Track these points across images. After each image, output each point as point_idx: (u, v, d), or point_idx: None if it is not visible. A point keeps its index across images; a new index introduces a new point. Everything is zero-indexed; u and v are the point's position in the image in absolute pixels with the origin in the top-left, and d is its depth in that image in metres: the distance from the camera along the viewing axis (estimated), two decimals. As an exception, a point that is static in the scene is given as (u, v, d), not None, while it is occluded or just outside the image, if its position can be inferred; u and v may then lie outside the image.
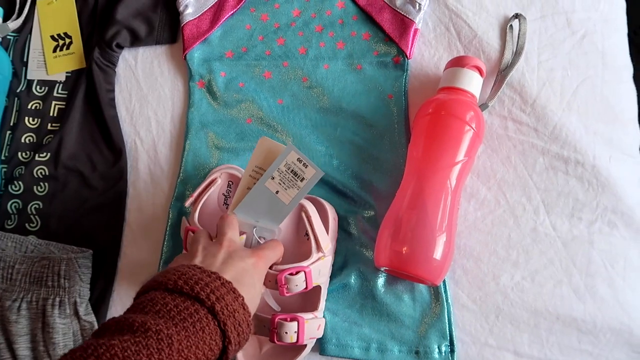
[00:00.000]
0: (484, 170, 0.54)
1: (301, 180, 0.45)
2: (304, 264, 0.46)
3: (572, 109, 0.55)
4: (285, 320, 0.45)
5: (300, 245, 0.51)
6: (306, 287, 0.46)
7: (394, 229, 0.48)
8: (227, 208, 0.50)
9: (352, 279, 0.51)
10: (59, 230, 0.55)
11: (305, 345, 0.48)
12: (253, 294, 0.39)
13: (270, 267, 0.44)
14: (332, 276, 0.51)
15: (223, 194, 0.52)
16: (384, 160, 0.54)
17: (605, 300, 0.50)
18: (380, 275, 0.51)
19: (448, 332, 0.50)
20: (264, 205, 0.45)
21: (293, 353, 0.48)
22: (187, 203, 0.49)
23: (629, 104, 0.56)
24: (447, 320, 0.50)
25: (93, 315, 0.52)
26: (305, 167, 0.45)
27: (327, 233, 0.50)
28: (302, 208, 0.48)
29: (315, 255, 0.47)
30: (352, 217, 0.53)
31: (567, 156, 0.53)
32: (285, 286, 0.45)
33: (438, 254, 0.47)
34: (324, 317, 0.50)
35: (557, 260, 0.51)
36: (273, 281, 0.45)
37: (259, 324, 0.47)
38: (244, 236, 0.46)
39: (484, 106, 0.54)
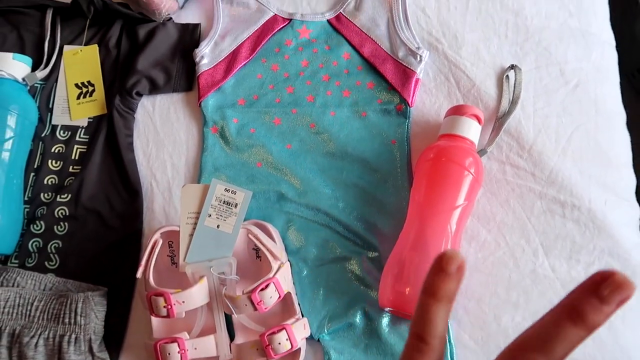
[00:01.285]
0: (484, 213, 0.56)
1: (235, 207, 0.49)
2: (269, 275, 0.49)
3: (567, 154, 0.57)
4: (274, 332, 0.48)
5: (257, 267, 0.53)
6: (280, 296, 0.48)
7: (397, 270, 0.50)
8: (176, 266, 0.53)
9: (357, 319, 0.53)
10: (76, 269, 0.57)
11: (299, 349, 0.49)
12: None
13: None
14: (338, 315, 0.53)
15: (167, 255, 0.54)
16: (387, 203, 0.57)
17: (605, 342, 0.51)
18: (384, 316, 0.53)
19: (451, 373, 0.51)
20: (211, 243, 0.49)
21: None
22: (139, 274, 0.50)
23: (623, 149, 0.59)
24: (450, 361, 0.51)
25: (106, 352, 0.54)
26: (235, 194, 0.49)
27: (274, 238, 0.53)
28: (246, 232, 0.51)
29: (275, 265, 0.50)
30: (356, 258, 0.55)
31: (564, 200, 0.55)
32: (261, 302, 0.47)
33: (440, 294, 0.48)
34: (303, 316, 0.52)
35: (556, 301, 0.50)
36: (249, 303, 0.47)
37: (251, 350, 0.49)
38: (205, 279, 0.49)
39: (482, 152, 0.57)
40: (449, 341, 0.51)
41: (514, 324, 0.52)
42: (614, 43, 0.63)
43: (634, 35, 0.93)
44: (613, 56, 0.62)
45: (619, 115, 0.60)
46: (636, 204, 0.58)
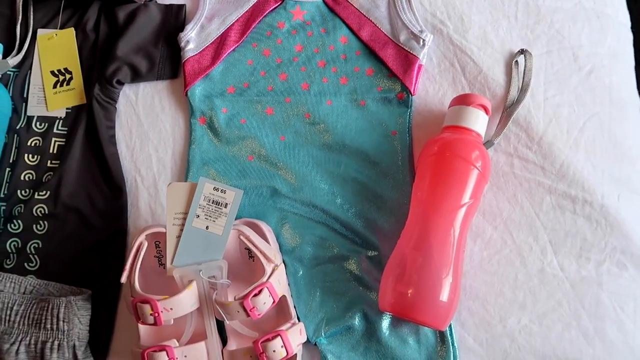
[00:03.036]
0: (490, 209, 0.53)
1: (225, 207, 0.46)
2: (263, 280, 0.46)
3: (580, 146, 0.54)
4: (269, 340, 0.45)
5: (250, 269, 0.51)
6: (274, 301, 0.46)
7: (398, 271, 0.48)
8: (164, 268, 0.50)
9: (356, 321, 0.50)
10: (58, 270, 0.54)
11: (295, 355, 0.47)
12: None
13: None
14: (336, 318, 0.51)
15: (155, 256, 0.51)
16: (388, 198, 0.54)
17: (615, 344, 0.49)
18: (384, 318, 0.51)
19: (454, 377, 0.49)
20: (199, 246, 0.46)
21: None
22: (123, 279, 0.47)
23: (638, 140, 0.56)
24: (453, 364, 0.49)
25: (92, 358, 0.51)
26: (224, 193, 0.46)
27: (270, 245, 0.50)
28: (238, 233, 0.48)
29: (269, 268, 0.47)
30: (355, 257, 0.52)
31: (575, 195, 0.53)
32: (254, 308, 0.45)
33: (444, 296, 0.46)
34: (299, 321, 0.50)
35: (565, 302, 0.50)
36: (241, 310, 0.45)
37: (244, 357, 0.47)
38: (194, 283, 0.46)
39: (489, 143, 0.54)
40: (452, 344, 0.49)
41: (520, 326, 0.50)
42: (629, 24, 0.59)
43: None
44: (629, 39, 0.59)
45: (634, 104, 0.57)
46: (650, 198, 0.55)
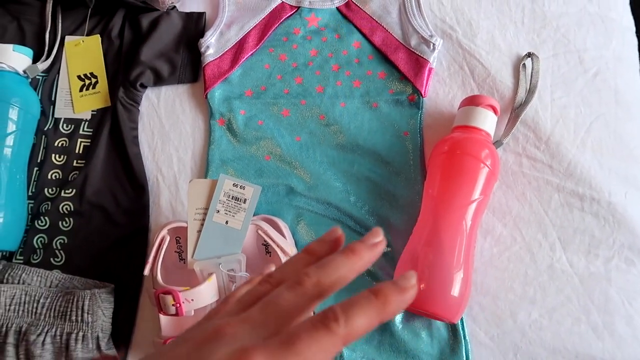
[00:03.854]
0: (500, 207, 0.55)
1: (244, 202, 0.48)
2: None
3: (586, 145, 0.55)
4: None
5: (267, 263, 0.52)
6: None
7: (411, 266, 0.49)
8: (185, 263, 0.51)
9: (370, 315, 0.52)
10: (82, 265, 0.56)
11: None
12: None
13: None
14: (350, 312, 0.52)
15: (175, 251, 0.53)
16: (400, 196, 0.55)
17: (624, 338, 0.50)
18: (397, 312, 0.52)
19: (466, 370, 0.50)
20: (219, 240, 0.48)
21: None
22: (146, 271, 0.49)
23: (643, 140, 0.57)
24: (465, 358, 0.50)
25: (114, 349, 0.53)
26: (243, 189, 0.48)
27: (286, 240, 0.52)
28: (256, 227, 0.50)
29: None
30: (369, 253, 0.54)
31: (583, 193, 0.54)
32: None
33: (455, 291, 0.47)
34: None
35: (574, 297, 0.51)
36: None
37: None
38: (214, 276, 0.48)
39: (498, 143, 0.55)
40: (464, 338, 0.50)
41: (530, 321, 0.51)
42: (634, 29, 0.61)
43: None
44: (633, 43, 0.60)
45: (639, 105, 0.58)
46: (657, 196, 0.56)
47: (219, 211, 0.48)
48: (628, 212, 0.53)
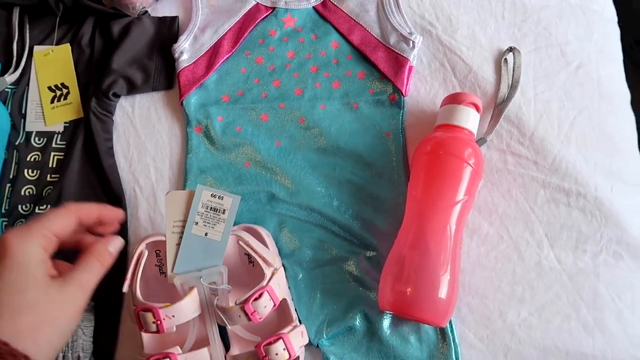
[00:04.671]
0: (485, 205, 0.54)
1: (223, 213, 0.46)
2: (263, 284, 0.46)
3: (571, 140, 0.55)
4: (271, 343, 0.45)
5: (250, 274, 0.51)
6: (274, 305, 0.46)
7: (397, 270, 0.48)
8: (166, 276, 0.50)
9: (357, 322, 0.51)
10: (61, 282, 0.54)
11: (298, 358, 0.48)
12: (52, 332, 0.32)
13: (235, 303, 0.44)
14: (337, 319, 0.51)
15: (155, 265, 0.51)
16: (384, 199, 0.54)
17: (615, 334, 0.49)
18: (385, 317, 0.51)
19: (457, 373, 0.49)
20: (199, 252, 0.46)
21: None
22: (125, 288, 0.47)
23: (628, 132, 0.56)
24: (455, 361, 0.49)
25: (97, 368, 0.52)
26: (222, 199, 0.46)
27: (269, 249, 0.51)
28: (236, 238, 0.48)
29: (268, 272, 0.47)
30: (354, 258, 0.53)
31: (569, 188, 0.53)
32: (255, 312, 0.45)
33: (443, 293, 0.46)
34: (301, 323, 0.50)
35: (563, 294, 0.51)
36: (243, 315, 0.45)
37: None
38: (195, 290, 0.47)
39: (482, 141, 0.54)
40: (453, 341, 0.50)
41: (520, 320, 0.50)
42: (616, 19, 0.60)
43: (630, 5, 0.90)
44: (615, 34, 0.59)
45: (623, 96, 0.58)
46: (643, 189, 0.55)
47: (197, 223, 0.47)
48: (615, 206, 0.52)
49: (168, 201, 0.47)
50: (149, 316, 0.45)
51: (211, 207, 0.47)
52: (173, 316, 0.45)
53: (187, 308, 0.46)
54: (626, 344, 0.49)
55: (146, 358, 0.46)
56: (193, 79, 0.58)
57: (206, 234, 0.47)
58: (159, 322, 0.45)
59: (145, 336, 0.49)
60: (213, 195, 0.47)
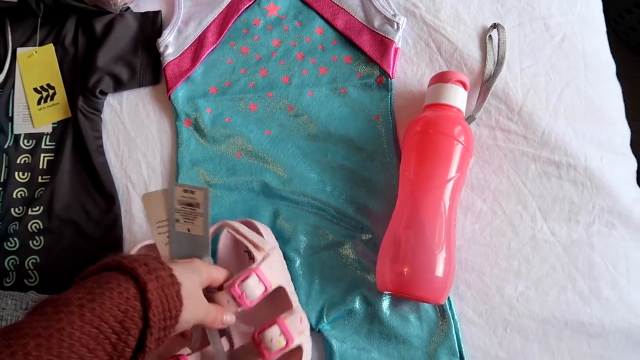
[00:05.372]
0: (478, 183, 0.54)
1: (198, 207, 0.45)
2: (252, 266, 0.45)
3: (559, 113, 0.55)
4: (264, 329, 0.45)
5: (247, 263, 0.51)
6: (265, 289, 0.45)
7: (393, 251, 0.48)
8: None
9: (357, 305, 0.51)
10: (58, 283, 0.54)
11: (301, 348, 0.46)
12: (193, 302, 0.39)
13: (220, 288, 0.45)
14: (336, 303, 0.51)
15: None
16: (376, 181, 0.54)
17: (611, 302, 0.50)
18: (384, 298, 0.51)
19: (457, 349, 0.49)
20: (187, 248, 0.46)
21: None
22: None
23: (615, 102, 0.57)
24: (455, 337, 0.50)
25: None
26: (194, 193, 0.45)
27: (261, 234, 0.50)
28: (224, 227, 0.48)
29: (258, 256, 0.47)
30: (350, 242, 0.53)
31: (559, 160, 0.53)
32: (244, 294, 0.44)
33: (440, 271, 0.47)
34: (303, 310, 0.49)
35: (559, 266, 0.51)
36: (231, 299, 0.44)
37: (247, 353, 0.46)
38: None
39: (470, 118, 0.55)
40: (453, 317, 0.50)
41: (517, 294, 0.51)
42: (598, -10, 0.60)
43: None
44: (598, 5, 0.60)
45: (609, 66, 0.58)
46: (632, 157, 0.56)
47: (178, 220, 0.46)
48: (605, 175, 0.53)
49: (146, 204, 0.46)
50: None
51: (187, 203, 0.45)
52: None
53: None
54: (623, 311, 0.50)
55: None
56: (179, 72, 0.58)
57: (189, 230, 0.46)
58: None
59: None
60: (185, 191, 0.45)
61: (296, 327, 0.46)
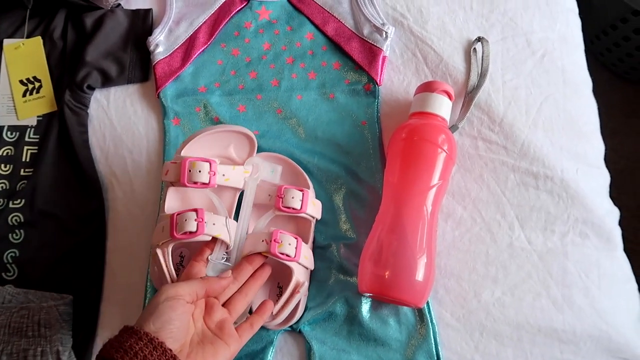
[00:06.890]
0: (459, 190, 0.56)
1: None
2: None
3: (538, 125, 0.57)
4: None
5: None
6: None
7: (375, 254, 0.49)
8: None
9: (338, 307, 0.52)
10: (37, 277, 0.53)
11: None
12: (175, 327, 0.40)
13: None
14: (318, 305, 0.52)
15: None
16: (361, 186, 0.55)
17: (583, 309, 0.51)
18: (365, 301, 0.52)
19: (435, 353, 0.50)
20: None
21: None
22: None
23: (591, 117, 0.59)
24: (433, 341, 0.51)
25: (77, 362, 0.51)
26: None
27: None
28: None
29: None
30: (334, 245, 0.54)
31: (537, 171, 0.55)
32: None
33: (420, 275, 0.48)
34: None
35: (534, 273, 0.53)
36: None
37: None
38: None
39: (454, 127, 0.56)
40: (431, 321, 0.51)
41: (494, 299, 0.52)
42: (577, 10, 0.63)
43: (590, 2, 0.94)
44: (577, 24, 0.62)
45: (586, 83, 0.60)
46: (606, 170, 0.58)
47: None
48: (580, 187, 0.55)
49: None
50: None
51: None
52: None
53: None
54: (594, 318, 0.51)
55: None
56: (169, 71, 0.58)
57: None
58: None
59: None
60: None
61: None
